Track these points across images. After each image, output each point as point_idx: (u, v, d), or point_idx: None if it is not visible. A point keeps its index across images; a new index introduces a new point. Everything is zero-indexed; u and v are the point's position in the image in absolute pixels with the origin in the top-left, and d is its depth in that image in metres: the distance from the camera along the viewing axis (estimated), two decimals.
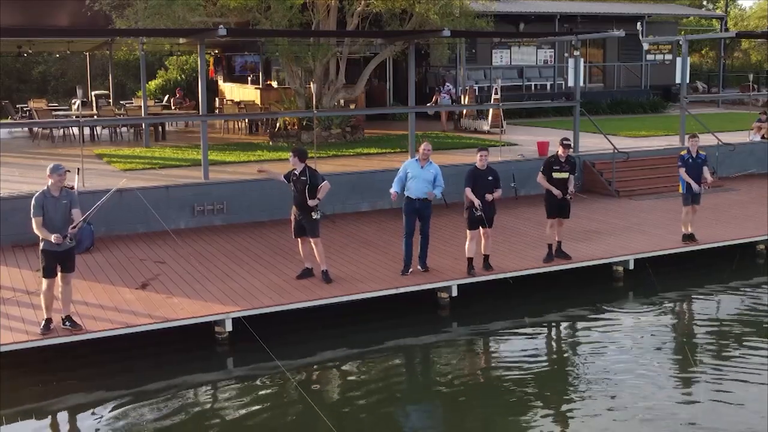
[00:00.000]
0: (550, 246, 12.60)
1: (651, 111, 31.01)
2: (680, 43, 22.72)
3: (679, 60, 21.93)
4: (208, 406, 9.05)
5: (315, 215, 11.27)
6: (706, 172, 13.29)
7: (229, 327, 10.21)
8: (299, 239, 11.63)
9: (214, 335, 10.34)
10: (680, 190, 13.55)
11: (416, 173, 11.57)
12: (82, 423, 8.70)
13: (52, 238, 9.17)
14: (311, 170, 11.37)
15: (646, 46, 29.25)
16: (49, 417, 8.87)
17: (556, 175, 12.30)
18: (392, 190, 11.75)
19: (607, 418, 8.65)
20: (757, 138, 21.46)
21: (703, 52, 45.30)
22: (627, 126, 25.05)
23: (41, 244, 9.44)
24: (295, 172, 11.31)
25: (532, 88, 31.91)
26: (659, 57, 34.63)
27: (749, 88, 35.25)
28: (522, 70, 31.79)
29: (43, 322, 9.55)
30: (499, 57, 31.59)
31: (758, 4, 58.00)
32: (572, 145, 12.59)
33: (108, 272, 11.94)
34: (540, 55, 32.30)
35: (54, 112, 24.32)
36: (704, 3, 58.85)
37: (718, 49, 36.67)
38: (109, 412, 8.77)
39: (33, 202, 9.37)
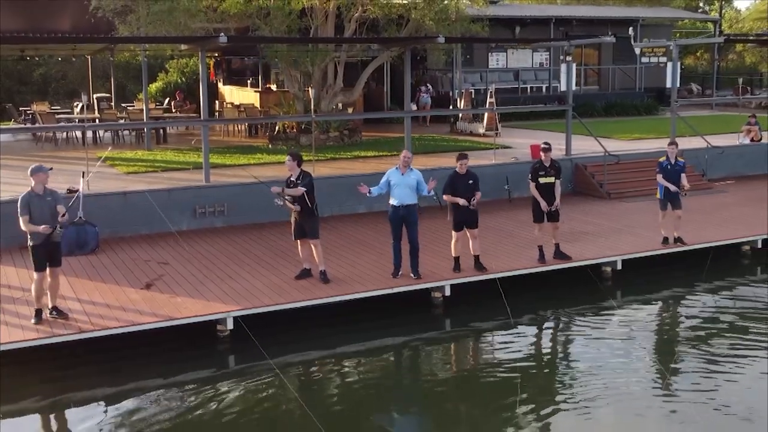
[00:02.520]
0: (540, 248, 13.01)
1: (645, 113, 31.46)
2: (671, 48, 23.15)
3: (670, 64, 22.37)
4: (210, 401, 9.42)
5: (278, 201, 11.45)
6: (684, 179, 13.67)
7: (230, 325, 10.63)
8: (299, 241, 12.02)
9: (216, 333, 10.76)
10: (658, 196, 13.96)
11: (398, 181, 11.87)
12: (87, 417, 9.08)
13: (41, 228, 9.82)
14: (306, 173, 11.74)
15: (638, 51, 29.75)
16: (58, 411, 9.27)
17: (542, 180, 12.73)
18: (369, 190, 11.95)
19: (595, 413, 9.04)
20: (747, 141, 21.91)
21: (698, 54, 45.73)
22: (620, 128, 25.48)
23: (30, 242, 10.00)
24: (292, 178, 11.66)
25: (528, 90, 32.36)
26: (654, 60, 35.02)
27: (744, 91, 35.80)
28: (518, 72, 32.23)
29: (34, 312, 10.10)
30: (496, 60, 32.04)
31: (754, 5, 58.47)
32: (551, 148, 13.00)
33: (113, 273, 12.35)
34: (536, 58, 32.73)
35: (57, 116, 24.69)
36: (700, 4, 59.34)
37: (712, 51, 37.11)
38: (114, 407, 9.20)
39: (19, 201, 10.02)
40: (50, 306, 10.27)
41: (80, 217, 13.69)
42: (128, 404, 9.25)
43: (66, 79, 41.15)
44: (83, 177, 14.81)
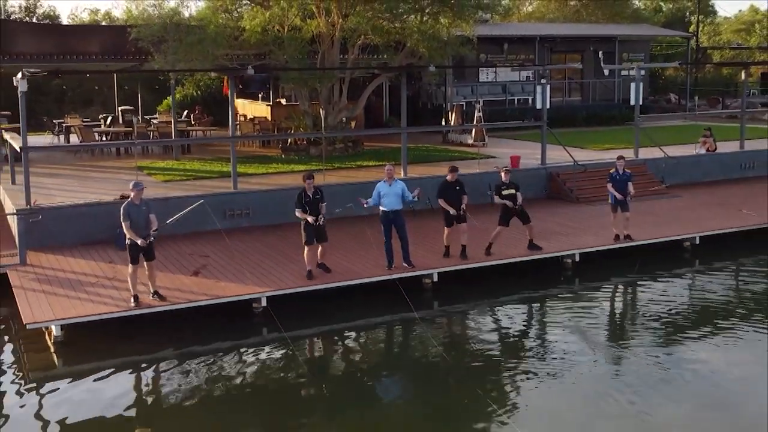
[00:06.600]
0: (489, 244, 15.85)
1: (622, 123, 34.23)
2: (632, 72, 26.02)
3: (638, 83, 25.22)
4: (246, 363, 12.24)
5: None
6: (630, 187, 16.52)
7: (264, 303, 13.51)
8: (309, 246, 14.38)
9: (252, 310, 13.61)
10: (609, 201, 16.83)
11: (386, 191, 14.68)
12: (150, 372, 11.96)
13: (139, 242, 12.63)
14: (318, 189, 14.45)
15: (606, 72, 32.76)
16: (131, 369, 12.05)
17: (505, 192, 15.73)
18: (366, 201, 14.74)
19: (561, 392, 11.63)
20: (703, 151, 24.80)
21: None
22: (595, 139, 28.33)
23: (127, 240, 12.77)
24: (309, 193, 14.28)
25: (515, 102, 35.10)
26: (633, 73, 37.79)
27: (716, 101, 38.73)
28: (505, 85, 35.00)
29: (132, 297, 12.87)
30: (485, 74, 34.84)
31: (736, 15, 61.28)
32: (511, 170, 16.21)
33: (165, 263, 15.19)
34: (522, 73, 35.48)
35: (94, 129, 27.51)
36: (686, 14, 62.15)
37: (687, 65, 39.99)
38: (173, 365, 12.02)
39: (122, 210, 12.78)
40: (152, 290, 13.06)
41: None
42: (181, 365, 11.98)
43: (81, 87, 43.81)
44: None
